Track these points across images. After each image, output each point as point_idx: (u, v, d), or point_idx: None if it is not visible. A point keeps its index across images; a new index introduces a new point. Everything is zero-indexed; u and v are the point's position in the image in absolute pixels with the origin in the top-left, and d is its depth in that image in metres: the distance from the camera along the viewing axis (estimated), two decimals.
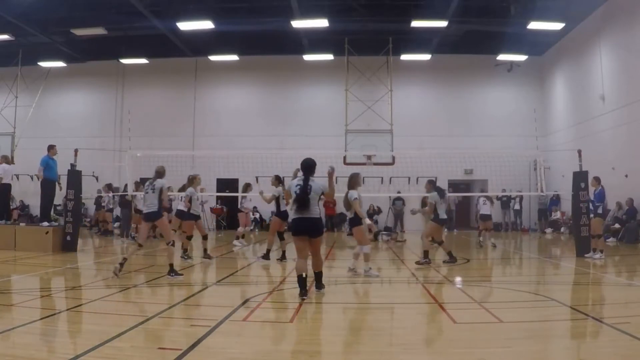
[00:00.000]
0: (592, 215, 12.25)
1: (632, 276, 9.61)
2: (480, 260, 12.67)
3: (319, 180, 7.15)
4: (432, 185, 11.13)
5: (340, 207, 20.45)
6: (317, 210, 7.08)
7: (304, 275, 6.85)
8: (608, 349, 4.60)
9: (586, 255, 11.81)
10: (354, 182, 9.41)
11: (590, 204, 12.18)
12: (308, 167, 7.14)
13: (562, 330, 5.46)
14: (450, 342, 4.89)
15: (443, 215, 10.97)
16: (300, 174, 7.51)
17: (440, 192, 11.01)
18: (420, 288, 8.22)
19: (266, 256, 11.17)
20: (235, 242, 15.21)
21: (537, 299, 7.11)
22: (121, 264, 8.47)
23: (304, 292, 6.77)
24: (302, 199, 6.90)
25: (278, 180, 11.62)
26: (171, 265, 8.58)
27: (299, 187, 7.01)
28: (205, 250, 11.46)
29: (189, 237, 11.62)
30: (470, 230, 22.95)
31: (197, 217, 11.70)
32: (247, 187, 15.27)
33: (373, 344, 4.92)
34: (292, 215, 7.15)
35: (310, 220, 6.97)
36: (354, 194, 9.18)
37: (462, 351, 4.57)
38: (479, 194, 17.57)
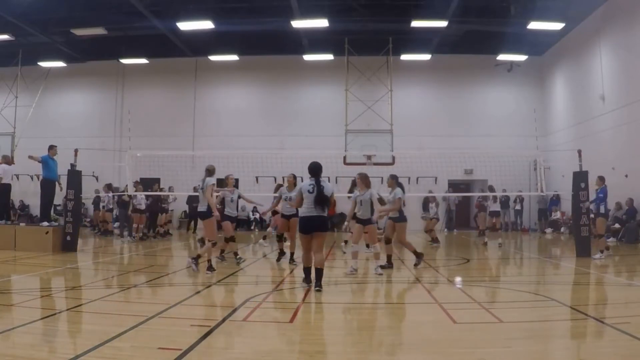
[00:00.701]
0: (592, 215, 12.26)
1: (632, 276, 9.62)
2: (480, 260, 12.67)
3: (327, 183, 7.76)
4: (395, 180, 10.32)
5: (340, 207, 20.42)
6: (326, 209, 7.65)
7: (310, 265, 7.61)
8: (608, 349, 4.60)
9: (594, 256, 11.78)
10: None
11: (594, 204, 12.21)
12: (317, 169, 7.68)
13: (562, 330, 5.45)
14: (450, 342, 4.88)
15: (403, 211, 10.24)
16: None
17: (403, 188, 10.39)
18: (420, 288, 8.22)
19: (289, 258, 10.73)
20: (262, 241, 15.45)
21: (537, 299, 7.11)
22: (197, 262, 9.19)
23: (308, 279, 7.60)
24: (321, 198, 7.42)
25: (295, 180, 11.16)
26: (198, 256, 9.13)
27: (312, 186, 7.49)
28: (222, 250, 10.98)
29: (232, 239, 10.81)
30: (470, 230, 22.96)
31: (233, 219, 11.07)
32: (279, 188, 15.22)
33: (373, 344, 4.92)
34: (303, 213, 7.56)
35: (320, 218, 7.51)
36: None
37: (462, 351, 4.57)
38: (484, 193, 17.49)
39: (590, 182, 12.51)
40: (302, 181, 8.71)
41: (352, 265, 9.25)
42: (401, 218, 10.17)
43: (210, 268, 9.13)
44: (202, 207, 9.20)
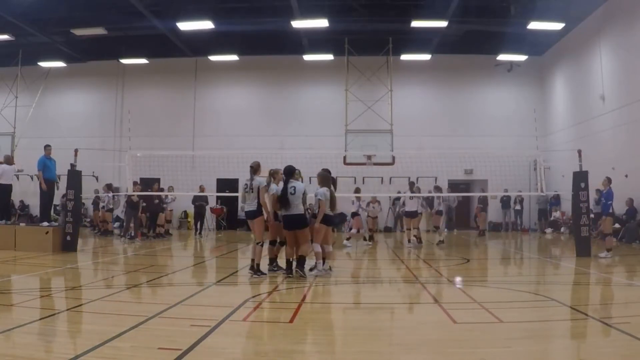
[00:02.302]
0: (592, 215, 12.32)
1: (632, 276, 9.62)
2: (480, 260, 12.67)
3: (300, 184, 8.68)
4: (324, 178, 9.21)
5: (340, 207, 20.39)
6: (302, 207, 8.57)
7: (291, 260, 8.62)
8: (608, 349, 4.61)
9: (600, 255, 11.86)
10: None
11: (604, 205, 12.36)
12: (291, 172, 8.67)
13: (562, 330, 5.46)
14: (450, 342, 4.89)
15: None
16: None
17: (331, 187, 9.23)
18: (420, 288, 8.23)
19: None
20: (346, 242, 15.47)
21: (537, 299, 7.11)
22: (254, 268, 8.60)
23: (289, 271, 8.58)
24: (283, 199, 8.44)
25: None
26: (258, 264, 8.61)
27: (284, 189, 8.46)
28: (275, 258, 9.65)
29: (282, 243, 9.18)
30: (470, 230, 22.97)
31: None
32: (358, 189, 15.66)
33: (373, 344, 4.92)
34: (282, 213, 8.57)
35: (297, 216, 8.52)
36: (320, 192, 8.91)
37: (462, 351, 4.57)
38: (417, 193, 16.72)
39: (590, 183, 12.53)
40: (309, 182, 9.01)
41: (323, 267, 8.94)
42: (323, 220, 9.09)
43: (259, 271, 8.56)
44: (251, 207, 8.62)
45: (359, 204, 15.96)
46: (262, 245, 8.65)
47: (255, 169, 8.83)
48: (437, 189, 17.11)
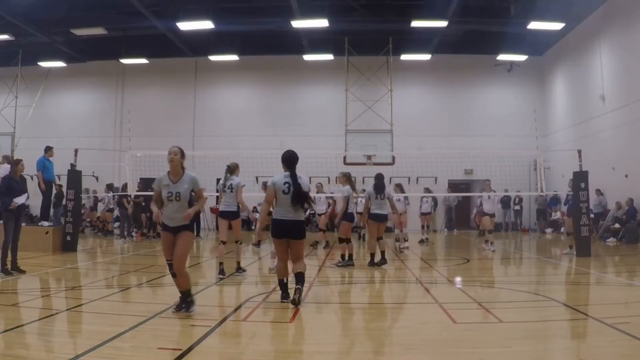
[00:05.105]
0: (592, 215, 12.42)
1: (632, 276, 9.61)
2: (480, 260, 12.67)
3: (304, 178, 6.50)
4: (347, 177, 10.72)
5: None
6: (302, 211, 6.56)
7: (285, 281, 6.63)
8: (608, 349, 4.60)
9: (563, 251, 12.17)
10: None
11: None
12: (293, 160, 6.54)
13: (562, 330, 5.46)
14: (450, 342, 4.89)
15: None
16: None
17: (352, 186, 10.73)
18: (420, 288, 8.22)
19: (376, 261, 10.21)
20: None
21: (537, 299, 7.11)
22: (221, 270, 8.70)
23: (285, 294, 6.54)
24: (299, 197, 6.36)
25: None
26: (238, 262, 9.00)
27: (287, 185, 6.41)
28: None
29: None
30: (470, 230, 22.96)
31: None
32: (399, 188, 15.46)
33: (373, 344, 4.92)
34: (276, 216, 6.49)
35: (296, 223, 6.44)
36: None
37: (462, 351, 4.57)
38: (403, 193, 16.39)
39: (591, 183, 12.56)
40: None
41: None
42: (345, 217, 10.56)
43: (223, 272, 8.66)
44: (230, 207, 8.87)
45: (405, 201, 15.75)
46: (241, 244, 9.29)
47: (233, 169, 8.95)
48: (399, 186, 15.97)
